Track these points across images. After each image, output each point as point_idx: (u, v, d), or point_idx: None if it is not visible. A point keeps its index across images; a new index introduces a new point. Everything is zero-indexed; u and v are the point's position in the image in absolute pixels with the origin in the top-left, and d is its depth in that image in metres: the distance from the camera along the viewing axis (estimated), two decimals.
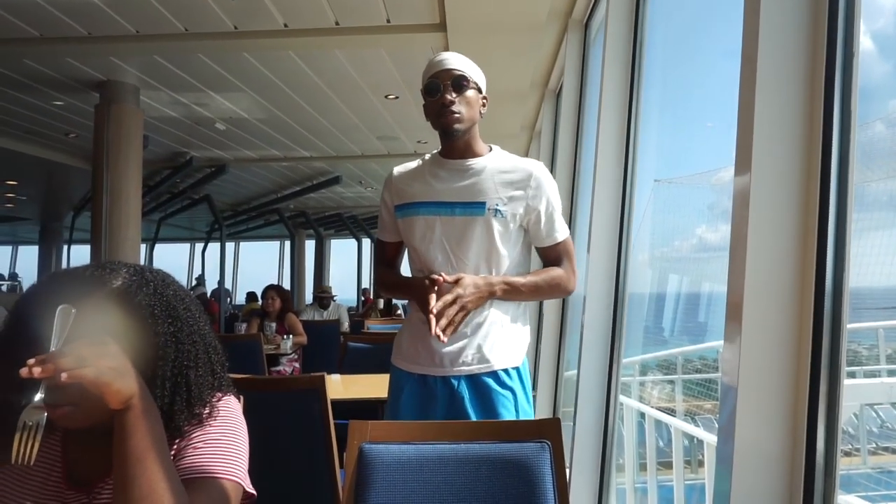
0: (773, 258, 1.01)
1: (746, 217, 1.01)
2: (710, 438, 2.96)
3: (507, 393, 1.55)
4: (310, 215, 12.96)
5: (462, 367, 1.55)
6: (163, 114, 6.23)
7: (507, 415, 1.53)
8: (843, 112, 1.00)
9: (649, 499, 3.39)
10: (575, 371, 2.87)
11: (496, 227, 1.55)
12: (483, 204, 1.55)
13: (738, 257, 1.03)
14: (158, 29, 4.26)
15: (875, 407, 3.06)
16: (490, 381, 1.55)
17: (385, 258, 1.74)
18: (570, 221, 3.95)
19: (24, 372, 0.70)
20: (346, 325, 6.34)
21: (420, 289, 1.50)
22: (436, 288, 1.46)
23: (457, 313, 1.44)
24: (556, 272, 1.62)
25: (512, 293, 1.55)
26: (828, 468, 0.96)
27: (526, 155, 7.77)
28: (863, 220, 1.08)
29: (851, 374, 2.90)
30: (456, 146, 1.59)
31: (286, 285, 12.99)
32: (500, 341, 1.57)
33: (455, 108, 1.54)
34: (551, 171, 5.50)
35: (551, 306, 4.08)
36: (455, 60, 1.58)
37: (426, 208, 1.59)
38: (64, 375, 0.70)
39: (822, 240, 0.99)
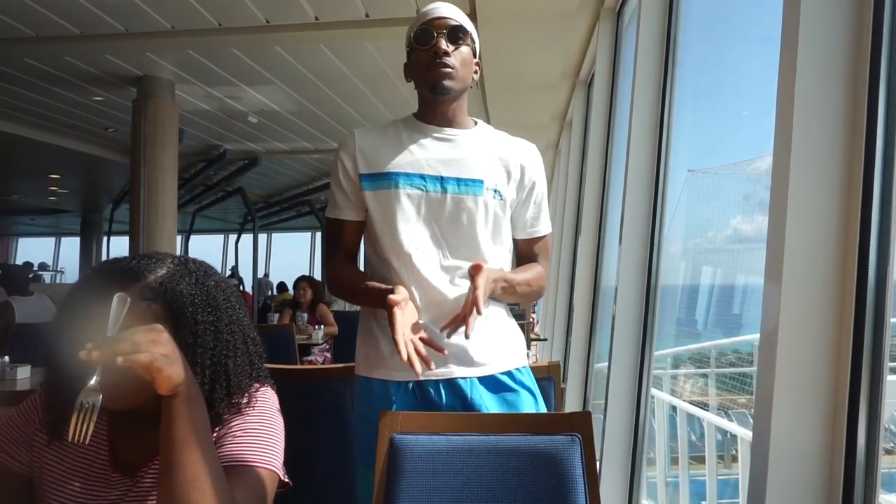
0: (812, 249, 0.99)
1: (785, 208, 0.99)
2: (745, 433, 2.91)
3: (526, 392, 1.36)
4: None
5: (474, 367, 1.31)
6: (197, 107, 6.35)
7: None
8: (889, 95, 0.96)
9: (681, 493, 3.35)
10: (605, 363, 2.85)
11: (495, 209, 1.33)
12: (481, 182, 1.31)
13: (776, 248, 1.01)
14: (193, 24, 4.33)
15: None
16: (507, 380, 1.34)
17: (342, 243, 1.39)
18: (601, 212, 3.90)
19: (83, 355, 0.73)
20: None
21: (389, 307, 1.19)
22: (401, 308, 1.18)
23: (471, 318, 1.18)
24: (541, 272, 1.41)
25: (506, 292, 1.33)
26: (869, 465, 0.94)
27: (557, 146, 7.69)
28: None
29: (893, 370, 2.81)
30: (441, 111, 1.35)
31: (316, 276, 13.17)
32: (509, 335, 1.38)
33: (449, 60, 1.30)
34: (582, 162, 5.43)
35: (582, 297, 4.04)
36: (451, 10, 1.35)
37: (408, 180, 1.31)
38: (120, 359, 0.74)
39: (864, 230, 0.96)
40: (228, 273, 11.91)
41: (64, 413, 0.88)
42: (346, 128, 7.32)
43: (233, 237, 14.13)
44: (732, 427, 3.32)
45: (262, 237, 15.46)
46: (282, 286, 11.27)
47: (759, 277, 1.07)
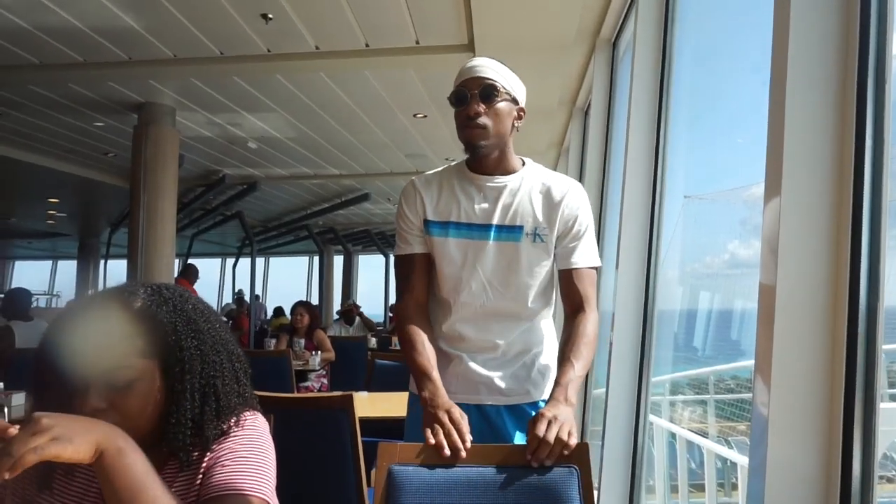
0: (804, 276, 1.00)
1: (777, 234, 1.01)
2: (744, 461, 2.88)
3: None
4: (338, 231, 13.12)
5: (500, 397, 1.43)
6: (198, 133, 6.41)
7: None
8: (875, 127, 0.98)
9: None
10: (603, 389, 2.84)
11: (535, 253, 1.42)
12: (521, 228, 1.42)
13: (769, 275, 1.02)
14: (195, 52, 4.40)
15: None
16: (531, 411, 1.43)
17: (412, 283, 1.47)
18: (599, 238, 3.93)
19: None
20: (372, 340, 6.37)
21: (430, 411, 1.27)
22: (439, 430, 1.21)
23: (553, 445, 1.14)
24: (591, 331, 1.40)
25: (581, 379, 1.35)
26: (864, 493, 0.94)
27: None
28: None
29: (894, 398, 2.80)
30: (486, 161, 1.44)
31: (314, 300, 13.13)
32: (539, 369, 1.47)
33: (480, 120, 1.38)
34: None
35: None
36: (487, 67, 1.40)
37: (457, 230, 1.44)
38: (7, 475, 0.71)
39: (855, 257, 0.97)
40: (235, 297, 11.84)
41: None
42: (346, 154, 7.39)
43: (230, 261, 14.12)
44: (732, 455, 3.29)
45: (260, 261, 15.46)
46: (278, 310, 11.23)
47: (756, 302, 1.09)
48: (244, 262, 10.01)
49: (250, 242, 9.58)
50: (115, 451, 0.78)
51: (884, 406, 0.96)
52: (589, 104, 4.48)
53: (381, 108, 5.65)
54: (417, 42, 4.26)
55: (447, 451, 1.15)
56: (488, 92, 1.39)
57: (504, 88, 1.41)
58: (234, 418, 0.94)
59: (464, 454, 1.16)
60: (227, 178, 8.32)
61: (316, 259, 15.00)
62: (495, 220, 1.42)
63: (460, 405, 1.37)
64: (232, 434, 0.93)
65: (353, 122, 6.05)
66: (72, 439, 0.76)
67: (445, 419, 1.21)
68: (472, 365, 1.43)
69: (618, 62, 3.69)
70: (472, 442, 1.26)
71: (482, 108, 1.38)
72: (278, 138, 6.65)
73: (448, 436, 1.17)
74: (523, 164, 1.49)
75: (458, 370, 1.44)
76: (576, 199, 1.45)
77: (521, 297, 1.43)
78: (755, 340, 1.04)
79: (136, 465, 0.79)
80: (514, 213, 1.42)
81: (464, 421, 1.22)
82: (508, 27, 3.65)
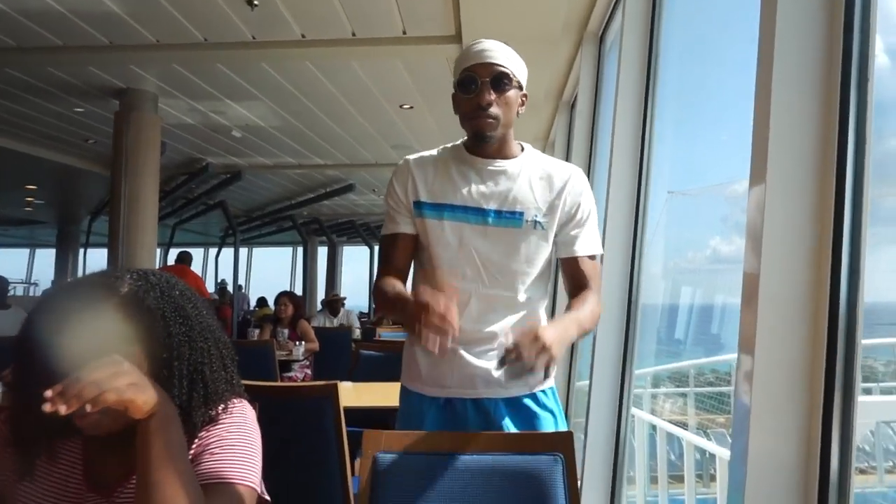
0: (787, 272, 1.01)
1: (760, 230, 1.02)
2: (723, 453, 2.94)
3: (548, 415, 1.40)
4: (323, 222, 13.05)
5: (498, 390, 1.37)
6: (180, 121, 6.32)
7: None
8: (858, 125, 1.00)
9: None
10: (586, 382, 2.87)
11: (534, 240, 1.37)
12: (521, 214, 1.36)
13: (752, 270, 1.04)
14: (178, 38, 4.33)
15: (892, 424, 3.02)
16: (530, 403, 1.39)
17: (394, 259, 1.42)
18: None
19: (47, 408, 0.71)
20: (357, 331, 6.36)
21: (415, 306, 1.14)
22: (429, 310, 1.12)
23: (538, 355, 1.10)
24: (595, 303, 1.37)
25: (579, 336, 1.32)
26: (842, 485, 0.96)
27: None
28: (878, 234, 1.08)
29: (867, 391, 2.86)
30: (486, 147, 1.38)
31: (298, 291, 13.07)
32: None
33: (492, 110, 1.31)
34: None
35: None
36: (498, 52, 1.32)
37: (452, 212, 1.37)
38: (88, 407, 0.73)
39: (836, 254, 0.99)
40: (218, 287, 11.74)
41: (32, 434, 0.87)
42: (331, 145, 7.34)
43: (213, 251, 14.00)
44: (711, 446, 3.34)
45: (243, 251, 15.34)
46: (262, 301, 11.15)
47: (737, 298, 1.10)
48: (227, 253, 9.93)
49: (233, 232, 9.51)
50: (165, 415, 0.81)
51: (861, 399, 0.98)
52: (575, 98, 4.49)
53: (367, 99, 5.62)
54: (404, 32, 4.24)
55: (434, 346, 1.08)
56: (500, 80, 1.31)
57: (514, 75, 1.34)
58: (222, 405, 0.94)
59: (455, 334, 1.08)
60: (211, 166, 8.22)
61: (300, 250, 14.92)
62: (494, 205, 1.36)
63: (456, 400, 1.36)
64: (220, 421, 0.92)
65: (339, 111, 6.01)
66: (144, 389, 0.79)
67: (428, 299, 1.09)
68: (468, 357, 1.36)
69: (604, 56, 3.71)
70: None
71: (493, 96, 1.31)
72: (263, 127, 6.58)
73: (430, 322, 1.07)
74: (522, 149, 1.44)
75: (452, 363, 1.36)
76: (578, 186, 1.40)
77: (517, 285, 1.37)
78: (738, 332, 1.05)
79: (178, 434, 0.83)
80: (514, 198, 1.36)
81: (452, 304, 1.11)
82: (496, 19, 3.64)
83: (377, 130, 6.73)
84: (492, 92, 1.31)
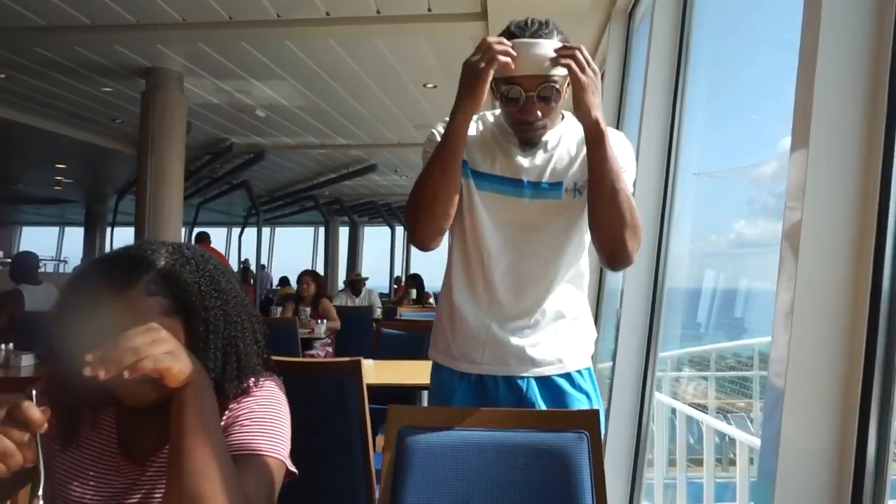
0: (827, 253, 0.98)
1: (800, 211, 0.99)
2: (743, 437, 2.91)
3: (582, 396, 1.35)
4: (344, 202, 13.10)
5: (532, 368, 1.33)
6: (205, 100, 6.36)
7: None
8: None
9: (678, 495, 3.35)
10: (607, 363, 2.85)
11: (574, 209, 1.30)
12: (560, 185, 1.29)
13: (790, 252, 1.01)
14: (203, 17, 4.34)
15: None
16: (564, 384, 1.34)
17: None
18: None
19: (87, 371, 0.73)
20: (378, 311, 6.41)
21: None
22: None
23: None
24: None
25: (606, 153, 1.20)
26: (878, 472, 0.94)
27: None
28: None
29: None
30: None
31: (319, 271, 13.18)
32: (573, 338, 1.37)
33: (539, 123, 1.24)
34: None
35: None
36: (547, 60, 1.18)
37: (490, 183, 1.31)
38: (126, 374, 0.74)
39: (880, 235, 0.95)
40: (241, 267, 11.88)
41: (71, 405, 0.89)
42: (354, 124, 7.33)
43: (236, 230, 14.16)
44: (731, 430, 3.31)
45: (266, 231, 15.49)
46: (284, 280, 11.27)
47: (762, 282, 1.07)
48: (250, 232, 10.02)
49: (256, 212, 9.59)
50: (200, 385, 0.82)
51: None
52: (603, 75, 4.41)
53: (390, 77, 5.58)
54: (429, 9, 4.19)
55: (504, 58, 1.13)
56: (549, 93, 1.21)
57: (560, 78, 1.21)
58: (254, 378, 0.94)
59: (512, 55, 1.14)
60: (235, 146, 8.29)
61: (322, 230, 15.02)
62: (533, 177, 1.30)
63: (488, 377, 1.33)
64: (251, 394, 0.93)
65: (363, 90, 5.99)
66: (180, 358, 0.80)
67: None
68: (503, 333, 1.32)
69: (633, 33, 3.62)
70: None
71: (540, 112, 1.22)
72: (286, 106, 6.60)
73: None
74: (563, 117, 1.35)
75: (486, 339, 1.33)
76: (618, 151, 1.28)
77: (555, 260, 1.32)
78: (774, 315, 1.03)
79: (211, 405, 0.83)
80: (554, 169, 1.30)
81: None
82: None
83: (400, 110, 6.69)
84: (538, 106, 1.22)
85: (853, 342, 0.96)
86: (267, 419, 0.92)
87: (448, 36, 4.51)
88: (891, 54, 0.97)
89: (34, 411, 0.74)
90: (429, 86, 5.82)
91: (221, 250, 13.95)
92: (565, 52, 1.18)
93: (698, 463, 3.27)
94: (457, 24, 4.26)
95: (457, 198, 1.28)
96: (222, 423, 0.90)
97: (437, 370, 1.41)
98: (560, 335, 1.35)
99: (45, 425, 0.75)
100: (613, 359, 2.56)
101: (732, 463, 3.16)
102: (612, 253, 1.24)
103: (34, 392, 0.77)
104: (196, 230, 10.24)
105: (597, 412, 1.16)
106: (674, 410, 3.54)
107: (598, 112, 1.19)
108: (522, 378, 1.33)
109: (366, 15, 4.26)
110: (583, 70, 1.17)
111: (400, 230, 14.98)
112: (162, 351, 0.77)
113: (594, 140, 1.20)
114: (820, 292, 0.98)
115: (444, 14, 4.23)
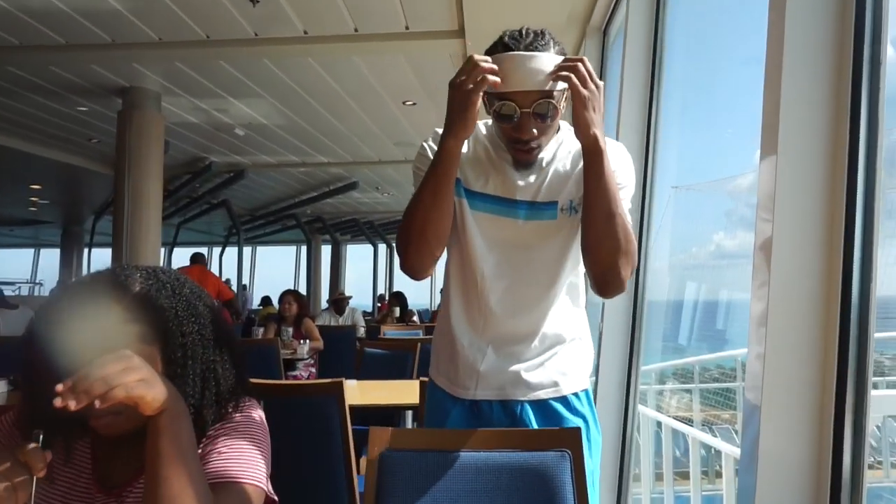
0: (797, 265, 1.00)
1: (771, 223, 1.00)
2: (728, 449, 2.92)
3: (579, 420, 1.30)
4: (326, 220, 13.05)
5: (528, 392, 1.28)
6: (184, 119, 6.32)
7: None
8: (870, 117, 0.98)
9: None
10: (592, 378, 2.85)
11: (570, 227, 1.25)
12: (555, 204, 1.24)
13: (762, 264, 1.02)
14: (180, 36, 4.32)
15: None
16: (560, 408, 1.29)
17: None
18: None
19: (58, 402, 0.70)
20: (361, 330, 6.36)
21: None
22: None
23: None
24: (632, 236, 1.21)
25: (604, 172, 1.14)
26: (854, 482, 0.95)
27: None
28: (890, 227, 1.06)
29: (874, 385, 2.84)
30: None
31: (302, 290, 13.08)
32: (571, 360, 1.32)
33: (534, 142, 1.18)
34: None
35: None
36: (541, 73, 1.11)
37: (483, 202, 1.25)
38: (97, 403, 0.72)
39: (848, 247, 0.97)
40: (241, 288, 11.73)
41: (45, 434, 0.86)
42: (334, 142, 7.33)
43: (217, 250, 14.03)
44: (716, 443, 3.33)
45: (247, 250, 15.36)
46: (266, 300, 11.15)
47: (741, 293, 1.08)
48: (231, 251, 9.94)
49: (237, 231, 9.53)
50: (175, 412, 0.80)
51: (873, 394, 0.96)
52: None
53: (369, 95, 5.61)
54: (407, 27, 4.22)
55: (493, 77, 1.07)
56: (545, 110, 1.14)
57: (558, 93, 1.15)
58: (233, 404, 0.93)
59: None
60: (214, 165, 8.23)
61: (304, 248, 14.93)
62: (528, 196, 1.24)
63: (482, 402, 1.29)
64: (230, 420, 0.92)
65: (342, 109, 6.00)
66: (153, 385, 0.77)
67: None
68: (500, 357, 1.27)
69: (608, 49, 3.68)
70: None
71: (536, 130, 1.16)
72: (266, 125, 6.58)
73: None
74: (558, 128, 1.28)
75: (482, 364, 1.28)
76: (616, 163, 1.22)
77: (551, 281, 1.27)
78: (748, 328, 1.04)
79: (187, 432, 0.81)
80: (549, 187, 1.24)
81: None
82: (499, 13, 3.62)
83: (380, 127, 6.71)
84: (535, 126, 1.15)
85: (826, 354, 0.98)
86: (245, 446, 0.90)
87: (426, 54, 4.55)
88: (851, 65, 0.99)
89: (37, 457, 0.73)
90: (408, 103, 5.85)
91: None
92: (566, 65, 1.11)
93: (685, 476, 3.27)
94: (435, 42, 4.30)
95: (450, 223, 1.23)
96: (200, 451, 0.88)
97: (432, 390, 1.37)
98: (558, 357, 1.30)
99: (45, 471, 0.73)
100: (596, 373, 2.57)
101: (719, 475, 3.17)
102: (605, 278, 1.18)
103: (41, 435, 0.75)
104: (177, 250, 10.14)
105: (578, 430, 1.15)
106: (659, 424, 3.55)
107: (599, 129, 1.12)
108: (517, 402, 1.29)
109: (344, 33, 4.28)
110: (584, 84, 1.10)
111: (382, 247, 14.94)
112: (134, 379, 0.75)
113: (592, 158, 1.14)
114: (793, 303, 1.00)
115: (421, 32, 4.26)
